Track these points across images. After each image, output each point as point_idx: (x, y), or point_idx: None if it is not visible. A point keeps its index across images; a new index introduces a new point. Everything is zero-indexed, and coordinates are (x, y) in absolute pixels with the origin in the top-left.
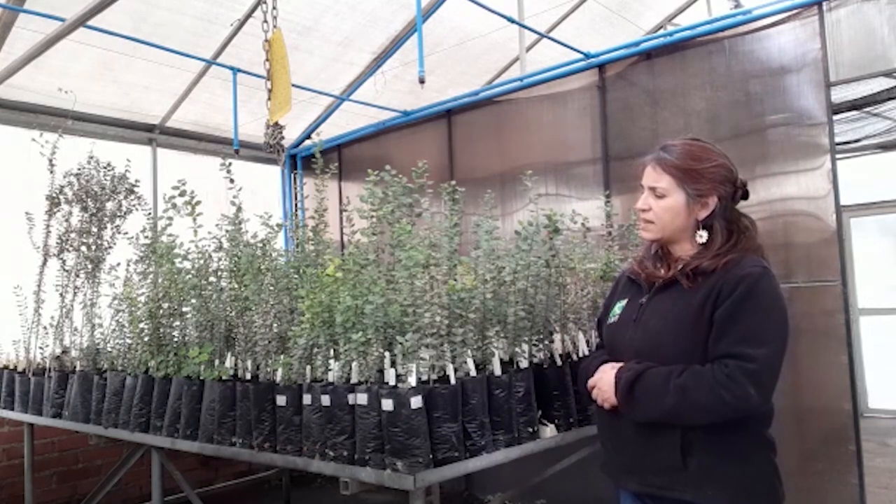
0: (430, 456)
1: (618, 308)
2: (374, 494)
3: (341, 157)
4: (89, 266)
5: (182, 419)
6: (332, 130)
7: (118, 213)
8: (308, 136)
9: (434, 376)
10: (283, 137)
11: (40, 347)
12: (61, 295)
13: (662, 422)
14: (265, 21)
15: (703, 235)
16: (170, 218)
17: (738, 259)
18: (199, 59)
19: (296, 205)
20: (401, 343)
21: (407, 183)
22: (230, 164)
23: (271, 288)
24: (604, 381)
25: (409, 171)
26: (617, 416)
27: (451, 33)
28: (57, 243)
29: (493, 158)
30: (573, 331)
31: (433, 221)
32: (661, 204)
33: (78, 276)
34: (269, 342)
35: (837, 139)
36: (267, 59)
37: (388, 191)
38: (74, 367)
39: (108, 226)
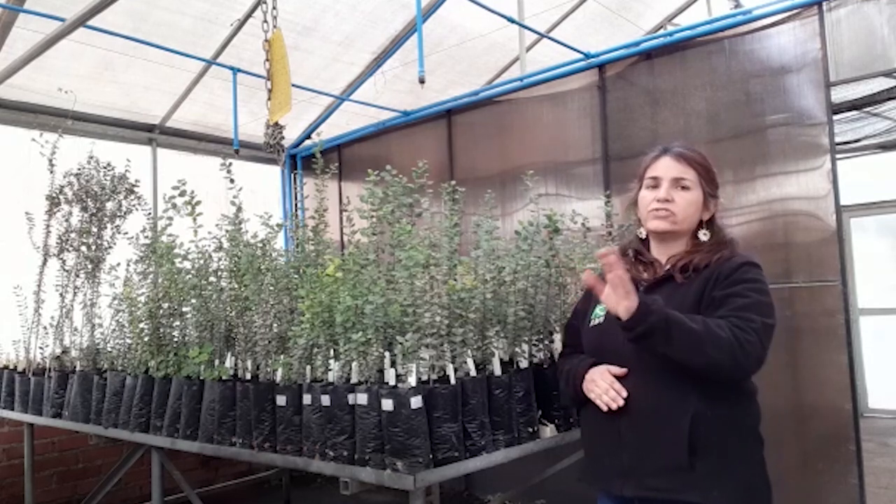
0: (430, 456)
1: (600, 310)
2: (374, 494)
3: (341, 157)
4: (89, 266)
5: (182, 419)
6: (332, 130)
7: (118, 213)
8: (308, 136)
9: (434, 376)
10: (283, 137)
11: (40, 347)
12: (61, 295)
13: (685, 358)
14: (265, 21)
15: (706, 234)
16: (170, 218)
17: (729, 255)
18: (199, 59)
19: (296, 205)
20: (401, 343)
21: (407, 183)
22: (230, 164)
23: (271, 288)
24: (601, 373)
25: (409, 171)
26: (614, 419)
27: (451, 33)
28: (57, 243)
29: (493, 158)
30: None
31: (433, 221)
32: (686, 196)
33: (78, 276)
34: (269, 342)
35: (837, 139)
36: (267, 59)
37: (388, 191)
38: (74, 367)
39: (108, 226)
